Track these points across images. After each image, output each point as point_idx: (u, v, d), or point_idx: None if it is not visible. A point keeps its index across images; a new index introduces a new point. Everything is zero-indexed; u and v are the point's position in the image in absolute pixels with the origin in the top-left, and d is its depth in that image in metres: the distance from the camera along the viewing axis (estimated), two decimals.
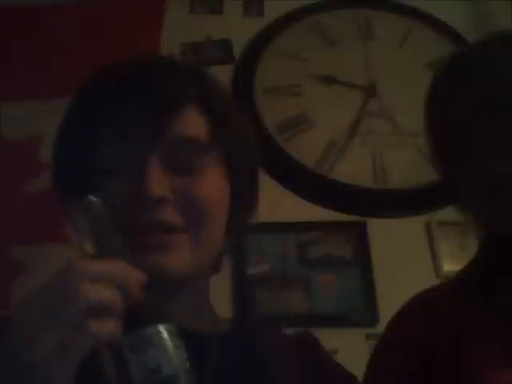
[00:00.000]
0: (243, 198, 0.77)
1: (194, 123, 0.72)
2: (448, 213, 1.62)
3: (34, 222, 1.73)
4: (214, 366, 0.70)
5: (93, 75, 0.75)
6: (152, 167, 0.68)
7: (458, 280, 0.89)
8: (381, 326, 0.91)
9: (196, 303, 0.75)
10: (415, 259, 1.79)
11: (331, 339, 0.87)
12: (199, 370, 0.69)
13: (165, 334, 0.53)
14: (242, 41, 2.16)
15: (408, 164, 1.89)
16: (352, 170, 1.93)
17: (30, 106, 1.92)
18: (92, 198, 0.56)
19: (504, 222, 0.81)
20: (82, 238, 0.55)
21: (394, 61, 2.16)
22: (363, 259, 1.79)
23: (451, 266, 1.73)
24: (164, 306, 0.72)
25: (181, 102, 0.71)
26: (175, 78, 0.72)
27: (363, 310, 1.72)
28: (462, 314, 0.81)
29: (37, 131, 1.87)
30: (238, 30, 2.18)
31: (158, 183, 0.67)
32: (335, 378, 0.80)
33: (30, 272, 1.68)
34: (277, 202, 1.74)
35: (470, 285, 0.85)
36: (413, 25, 2.25)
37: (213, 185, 0.72)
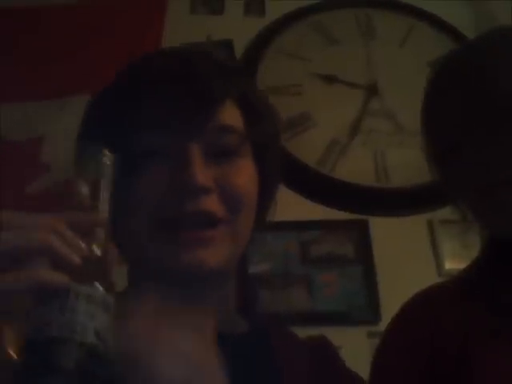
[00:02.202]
0: (269, 194, 0.78)
1: (233, 115, 0.72)
2: (450, 211, 1.62)
3: None
4: (230, 366, 0.68)
5: (139, 62, 0.75)
6: (195, 156, 0.67)
7: (461, 278, 0.89)
8: (383, 324, 0.91)
9: (221, 302, 0.74)
10: (417, 257, 1.78)
11: (333, 337, 0.86)
12: None
13: (79, 296, 0.48)
14: (244, 41, 2.16)
15: (410, 162, 1.89)
16: (354, 168, 1.93)
17: (31, 107, 1.92)
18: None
19: (498, 224, 0.80)
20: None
21: (395, 60, 2.17)
22: (365, 257, 1.79)
23: (453, 265, 1.72)
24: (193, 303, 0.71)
25: (224, 94, 0.71)
26: (220, 71, 0.72)
27: (365, 308, 1.72)
28: (466, 311, 0.81)
29: (37, 132, 1.88)
30: (239, 30, 2.18)
31: (202, 172, 0.67)
32: (347, 381, 0.80)
33: None
34: (279, 201, 1.73)
35: (472, 283, 0.85)
36: (414, 24, 2.26)
37: (247, 174, 0.72)
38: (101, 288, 0.49)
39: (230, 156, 0.71)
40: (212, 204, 0.67)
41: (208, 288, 0.71)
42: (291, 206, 1.80)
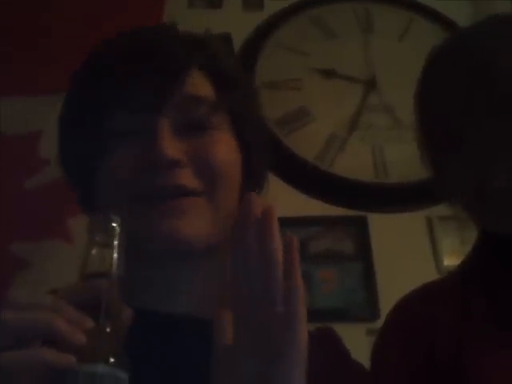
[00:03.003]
0: (254, 164, 0.76)
1: (200, 85, 0.71)
2: (449, 207, 1.62)
3: (34, 217, 1.73)
4: None
5: (97, 46, 0.76)
6: (163, 129, 0.67)
7: (457, 273, 0.89)
8: (382, 321, 0.92)
9: (214, 287, 0.72)
10: (416, 254, 1.78)
11: None
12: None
13: (87, 378, 0.47)
14: (242, 35, 2.15)
15: (409, 158, 1.88)
16: (352, 164, 1.93)
17: (30, 101, 1.91)
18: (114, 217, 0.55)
19: (496, 220, 0.80)
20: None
21: (394, 54, 2.16)
22: (364, 254, 1.79)
23: (452, 261, 1.72)
24: (182, 286, 0.70)
25: (187, 64, 0.70)
26: (180, 43, 0.72)
27: (364, 305, 1.72)
28: (461, 306, 0.81)
29: (36, 126, 1.87)
30: (238, 23, 2.17)
31: (171, 145, 0.66)
32: (354, 374, 0.80)
33: (30, 267, 1.68)
34: (277, 197, 1.73)
35: (467, 277, 0.85)
36: (413, 18, 2.25)
37: (224, 146, 0.71)
38: (112, 362, 0.48)
39: (204, 129, 0.70)
40: (182, 177, 0.67)
41: (201, 267, 0.70)
42: (289, 201, 1.80)
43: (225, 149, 0.71)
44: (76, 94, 0.75)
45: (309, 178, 1.90)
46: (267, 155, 0.80)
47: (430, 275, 1.70)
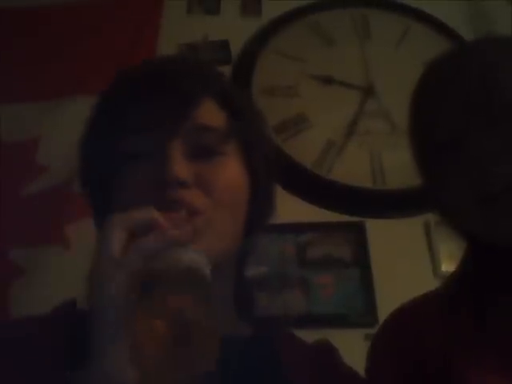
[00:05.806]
0: (262, 191, 0.79)
1: (213, 114, 0.75)
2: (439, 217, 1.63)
3: (33, 223, 1.73)
4: (236, 370, 0.69)
5: (120, 73, 0.80)
6: (175, 152, 0.70)
7: (446, 287, 0.88)
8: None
9: (221, 302, 0.73)
10: (414, 259, 1.78)
11: (330, 340, 0.87)
12: (221, 375, 0.68)
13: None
14: (240, 41, 2.16)
15: (406, 164, 1.88)
16: (350, 170, 1.93)
17: (29, 108, 1.92)
18: None
19: (491, 227, 0.79)
20: None
21: (391, 60, 2.17)
22: (362, 260, 1.78)
23: (450, 266, 1.71)
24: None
25: (201, 94, 0.74)
26: (196, 73, 0.77)
27: (362, 310, 1.71)
28: (449, 325, 0.80)
29: (34, 133, 1.88)
30: (236, 30, 2.18)
31: (182, 167, 0.69)
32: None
33: (28, 273, 1.68)
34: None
35: (456, 291, 0.84)
36: (410, 24, 2.26)
37: (231, 173, 0.74)
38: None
39: (212, 155, 0.73)
40: (190, 196, 0.69)
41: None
42: (287, 207, 1.79)
43: (230, 174, 0.74)
44: (97, 116, 0.79)
45: (307, 184, 1.90)
46: (274, 180, 0.83)
47: (427, 280, 1.71)
